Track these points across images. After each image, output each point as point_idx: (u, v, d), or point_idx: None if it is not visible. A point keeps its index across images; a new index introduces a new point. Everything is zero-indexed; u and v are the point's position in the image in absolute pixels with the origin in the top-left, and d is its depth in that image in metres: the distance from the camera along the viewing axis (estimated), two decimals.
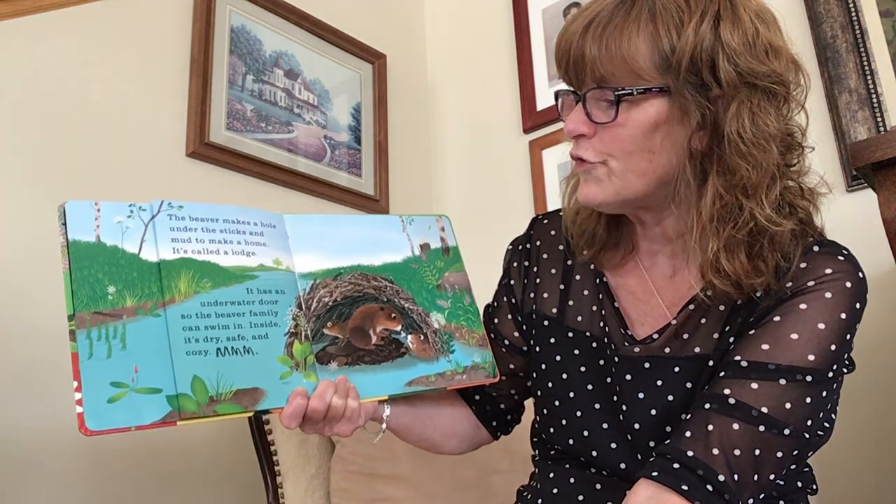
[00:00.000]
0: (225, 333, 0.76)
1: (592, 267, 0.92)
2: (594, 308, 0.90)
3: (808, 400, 0.74)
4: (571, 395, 0.88)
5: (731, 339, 0.79)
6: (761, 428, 0.72)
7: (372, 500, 1.21)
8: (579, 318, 0.91)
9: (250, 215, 0.84)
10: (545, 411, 0.91)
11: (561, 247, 0.96)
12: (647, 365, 0.83)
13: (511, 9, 2.12)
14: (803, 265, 0.77)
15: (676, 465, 0.72)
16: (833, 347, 0.75)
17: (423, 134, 2.19)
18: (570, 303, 0.92)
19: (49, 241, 1.26)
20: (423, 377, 0.87)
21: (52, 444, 1.26)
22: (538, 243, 0.98)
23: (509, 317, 0.98)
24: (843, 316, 0.75)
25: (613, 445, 0.84)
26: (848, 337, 0.76)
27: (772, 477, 0.74)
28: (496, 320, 1.00)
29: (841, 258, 0.78)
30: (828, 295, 0.76)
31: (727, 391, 0.74)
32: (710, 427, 0.73)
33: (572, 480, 0.88)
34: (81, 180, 1.39)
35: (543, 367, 0.92)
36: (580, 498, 0.86)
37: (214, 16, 1.68)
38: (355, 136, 1.95)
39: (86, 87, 1.45)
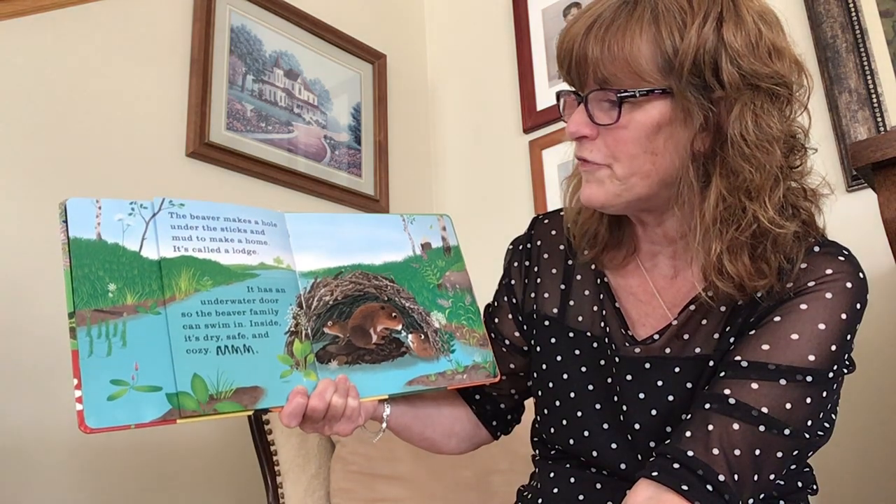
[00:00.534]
0: (225, 332, 0.76)
1: (593, 267, 0.92)
2: (595, 308, 0.90)
3: (809, 400, 0.74)
4: (572, 395, 0.88)
5: (732, 340, 0.79)
6: (761, 428, 0.72)
7: (372, 500, 1.21)
8: (580, 319, 0.91)
9: (251, 214, 0.84)
10: (546, 411, 0.91)
11: (562, 247, 0.96)
12: (647, 365, 0.83)
13: (511, 9, 2.12)
14: (804, 266, 0.77)
15: (676, 465, 0.72)
16: (833, 348, 0.75)
17: (423, 134, 2.19)
18: (571, 303, 0.92)
19: (49, 240, 1.27)
20: (424, 376, 0.87)
21: (52, 442, 1.26)
22: (539, 243, 0.98)
23: (510, 316, 0.98)
24: (844, 316, 0.75)
25: (614, 445, 0.84)
26: (848, 337, 0.76)
27: (772, 477, 0.74)
28: (497, 320, 0.99)
29: (841, 259, 0.78)
30: (828, 295, 0.76)
31: (727, 391, 0.74)
32: (711, 427, 0.73)
33: (572, 480, 0.88)
34: (81, 180, 1.39)
35: (544, 367, 0.92)
36: (580, 498, 0.86)
37: (214, 16, 1.68)
38: (355, 136, 1.95)
39: (86, 87, 1.45)
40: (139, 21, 1.57)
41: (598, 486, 0.85)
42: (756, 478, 0.72)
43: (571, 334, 0.90)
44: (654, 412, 0.81)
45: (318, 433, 0.83)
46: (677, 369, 0.82)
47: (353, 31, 2.00)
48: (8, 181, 1.30)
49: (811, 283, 0.76)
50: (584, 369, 0.88)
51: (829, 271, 0.77)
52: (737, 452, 0.71)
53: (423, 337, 0.90)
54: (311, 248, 0.87)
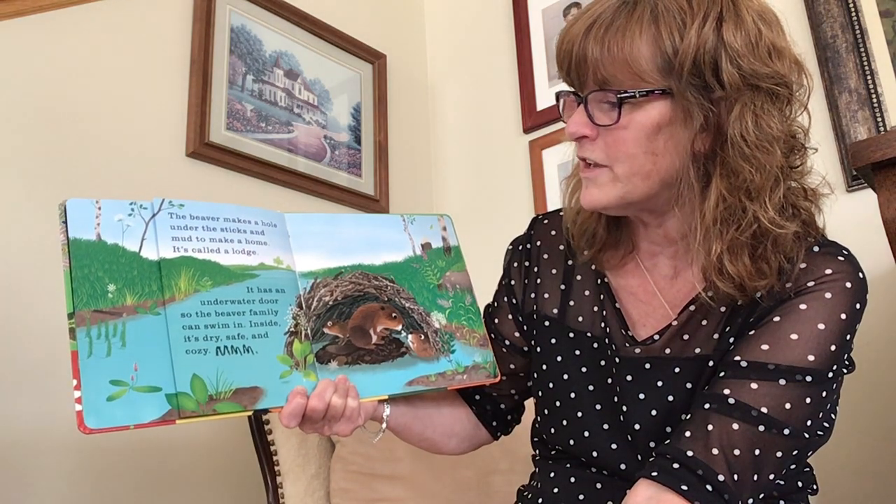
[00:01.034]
0: (225, 332, 0.76)
1: (593, 267, 0.92)
2: (595, 308, 0.90)
3: (808, 400, 0.74)
4: (572, 395, 0.88)
5: (732, 340, 0.79)
6: (761, 428, 0.72)
7: (372, 500, 1.21)
8: (580, 319, 0.91)
9: (251, 214, 0.84)
10: (546, 412, 0.91)
11: (562, 247, 0.96)
12: (647, 366, 0.83)
13: (511, 9, 2.12)
14: (803, 265, 0.77)
15: (676, 465, 0.72)
16: (833, 348, 0.75)
17: (423, 134, 2.19)
18: (571, 303, 0.92)
19: (49, 240, 1.27)
20: (424, 377, 0.87)
21: (52, 442, 1.26)
22: (538, 243, 0.98)
23: (510, 317, 0.98)
24: (843, 316, 0.75)
25: (614, 446, 0.84)
26: (848, 337, 0.76)
27: (771, 477, 0.74)
28: (496, 320, 0.99)
29: (841, 258, 0.78)
30: (828, 295, 0.76)
31: (727, 391, 0.74)
32: (710, 427, 0.73)
33: (573, 480, 0.88)
34: (81, 180, 1.39)
35: (544, 367, 0.92)
36: (580, 497, 0.86)
37: (214, 16, 1.68)
38: (355, 136, 1.95)
39: (86, 87, 1.45)
40: (139, 21, 1.57)
41: (599, 486, 0.85)
42: (756, 478, 0.72)
43: (571, 335, 0.90)
44: (654, 412, 0.81)
45: (317, 433, 0.83)
46: (677, 369, 0.82)
47: (352, 31, 2.00)
48: (8, 181, 1.30)
49: (811, 283, 0.76)
50: (584, 370, 0.88)
51: (828, 271, 0.77)
52: (736, 452, 0.71)
53: (423, 337, 0.90)
54: (311, 248, 0.87)
